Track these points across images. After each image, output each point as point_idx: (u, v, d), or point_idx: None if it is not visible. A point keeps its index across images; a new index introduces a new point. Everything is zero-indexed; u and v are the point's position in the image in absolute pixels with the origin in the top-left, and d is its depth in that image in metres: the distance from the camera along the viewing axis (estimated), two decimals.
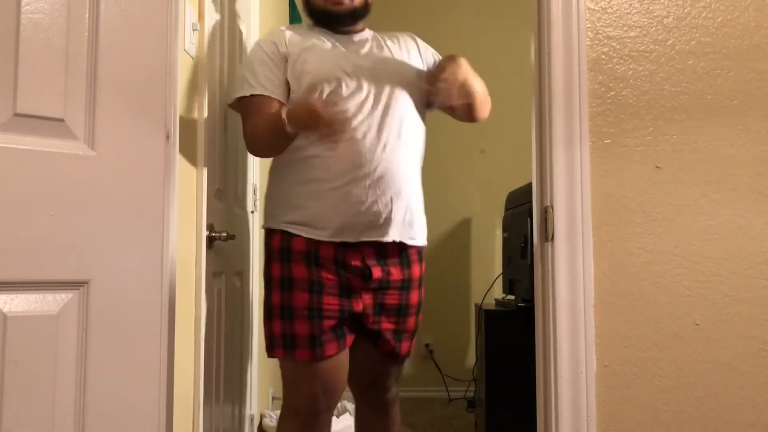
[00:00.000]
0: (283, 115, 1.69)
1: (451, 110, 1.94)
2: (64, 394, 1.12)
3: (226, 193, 2.14)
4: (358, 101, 1.77)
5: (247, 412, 2.47)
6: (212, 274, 1.94)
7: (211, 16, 1.94)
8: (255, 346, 2.52)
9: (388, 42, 1.95)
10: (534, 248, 1.66)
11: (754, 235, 1.54)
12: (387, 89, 1.82)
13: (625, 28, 1.59)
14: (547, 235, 1.57)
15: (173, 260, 1.28)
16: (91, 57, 1.17)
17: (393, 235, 1.77)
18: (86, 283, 1.15)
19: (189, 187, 1.77)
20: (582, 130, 1.55)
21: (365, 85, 1.80)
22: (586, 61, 1.57)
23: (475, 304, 3.55)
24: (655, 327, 1.53)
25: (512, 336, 2.65)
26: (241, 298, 2.36)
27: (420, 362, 4.31)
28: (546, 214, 1.57)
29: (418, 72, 1.92)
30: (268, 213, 1.86)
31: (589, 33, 1.59)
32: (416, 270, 1.87)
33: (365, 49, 1.90)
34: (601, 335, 1.53)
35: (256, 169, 2.57)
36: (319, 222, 1.74)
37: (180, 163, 1.35)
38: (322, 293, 1.73)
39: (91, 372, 1.15)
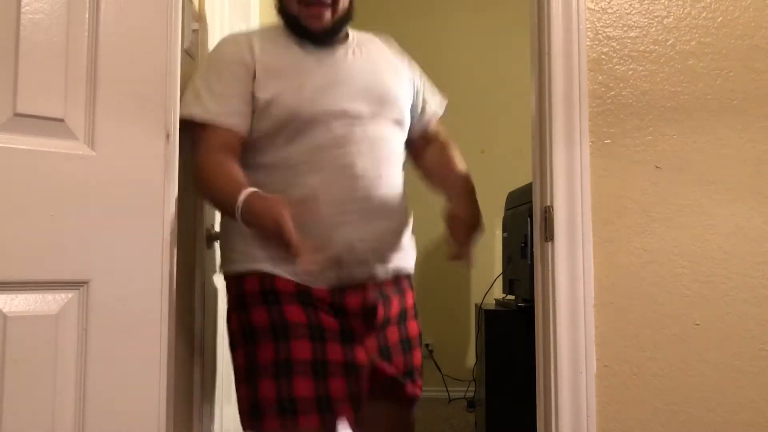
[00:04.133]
0: (239, 202, 1.34)
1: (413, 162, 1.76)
2: (64, 394, 1.12)
3: None
4: (341, 131, 1.51)
5: None
6: (212, 274, 1.94)
7: (211, 16, 1.94)
8: None
9: (370, 50, 1.68)
10: (534, 248, 1.66)
11: (754, 235, 1.54)
12: (371, 112, 1.57)
13: (625, 28, 1.59)
14: (547, 235, 1.57)
15: (173, 260, 1.28)
16: (91, 57, 1.17)
17: (390, 270, 1.59)
18: (86, 283, 1.15)
19: (189, 187, 1.77)
20: (582, 130, 1.55)
21: (348, 111, 1.53)
22: (586, 61, 1.57)
23: (475, 304, 3.55)
24: (655, 327, 1.53)
25: (512, 336, 2.65)
26: None
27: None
28: (546, 214, 1.57)
29: (402, 88, 1.69)
30: (233, 251, 1.53)
31: (589, 33, 1.58)
32: (410, 298, 1.67)
33: (346, 66, 1.60)
34: (601, 335, 1.53)
35: None
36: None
37: (180, 163, 1.35)
38: (326, 340, 1.42)
39: (91, 372, 1.15)
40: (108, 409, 1.16)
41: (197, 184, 1.53)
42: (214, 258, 1.94)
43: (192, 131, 1.49)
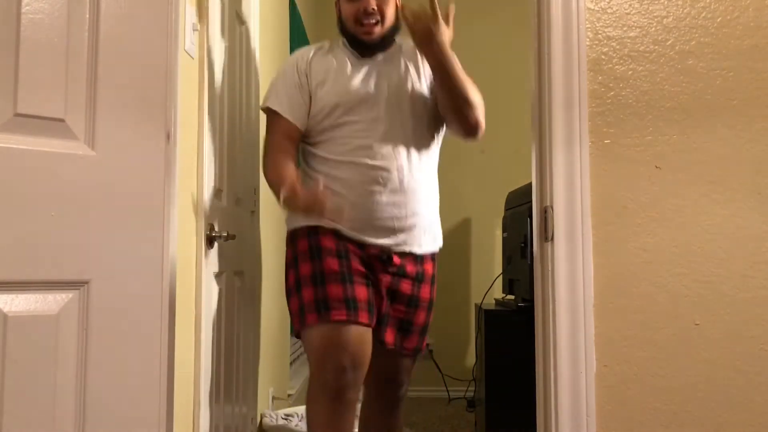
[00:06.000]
0: (282, 195, 1.75)
1: (452, 124, 2.02)
2: (64, 394, 1.12)
3: (226, 193, 2.14)
4: (373, 125, 1.88)
5: (248, 412, 2.47)
6: (212, 274, 1.94)
7: (211, 16, 1.94)
8: (255, 345, 2.52)
9: (407, 60, 2.02)
10: (534, 248, 1.66)
11: (754, 235, 1.54)
12: (402, 112, 1.92)
13: (625, 29, 1.59)
14: (547, 235, 1.57)
15: (173, 260, 1.28)
16: (92, 57, 1.17)
17: (411, 247, 1.92)
18: (86, 283, 1.15)
19: (189, 187, 1.77)
20: (582, 130, 1.55)
21: (381, 110, 1.90)
22: (586, 61, 1.57)
23: (475, 304, 3.55)
24: (655, 327, 1.53)
25: (512, 336, 2.65)
26: (241, 298, 2.36)
27: (420, 362, 4.30)
28: (546, 214, 1.57)
29: (423, 95, 2.00)
30: (292, 214, 1.94)
31: (589, 33, 1.59)
32: (429, 267, 2.00)
33: (386, 71, 1.96)
34: (601, 335, 1.53)
35: (257, 170, 2.57)
36: (344, 224, 1.85)
37: (180, 163, 1.35)
38: (350, 259, 1.83)
39: (91, 372, 1.15)
40: (108, 408, 1.16)
41: (263, 164, 2.01)
42: (214, 258, 1.94)
43: (268, 118, 2.00)
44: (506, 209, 3.14)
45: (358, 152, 1.87)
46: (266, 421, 2.70)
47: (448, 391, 4.20)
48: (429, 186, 2.00)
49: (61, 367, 1.12)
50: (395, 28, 2.01)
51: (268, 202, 2.76)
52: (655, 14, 1.60)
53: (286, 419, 2.74)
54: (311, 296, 1.80)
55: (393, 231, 1.89)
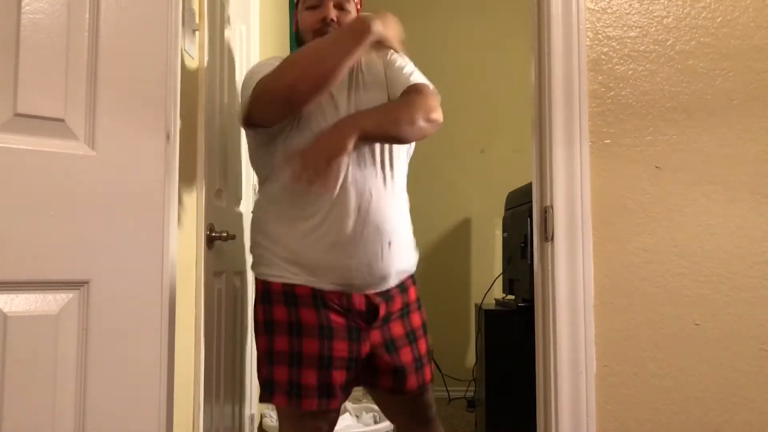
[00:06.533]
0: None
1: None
2: (64, 394, 1.12)
3: (226, 193, 2.14)
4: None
5: (247, 412, 2.47)
6: (212, 274, 1.94)
7: (211, 17, 1.94)
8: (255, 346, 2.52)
9: (368, 65, 1.82)
10: (534, 248, 1.66)
11: (754, 235, 1.54)
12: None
13: (625, 28, 1.59)
14: (547, 235, 1.57)
15: (173, 260, 1.28)
16: (92, 57, 1.17)
17: (393, 281, 1.73)
18: (86, 283, 1.15)
19: (189, 187, 1.77)
20: (582, 130, 1.55)
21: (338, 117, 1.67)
22: (586, 61, 1.57)
23: (475, 304, 3.55)
24: (655, 327, 1.53)
25: (512, 336, 2.65)
26: (242, 298, 2.36)
27: None
28: (546, 214, 1.57)
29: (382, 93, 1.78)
30: (261, 253, 1.74)
31: (589, 33, 1.59)
32: (412, 293, 1.81)
33: (353, 81, 1.76)
34: (601, 335, 1.53)
35: None
36: (321, 272, 1.66)
37: (180, 163, 1.35)
38: (333, 338, 1.65)
39: (91, 372, 1.15)
40: (108, 409, 1.16)
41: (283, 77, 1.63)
42: (214, 258, 1.94)
43: (249, 104, 1.66)
44: (506, 209, 3.14)
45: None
46: (266, 421, 2.70)
47: (448, 391, 4.20)
48: (402, 207, 1.77)
49: (61, 367, 1.12)
50: None
51: None
52: (655, 14, 1.60)
53: None
54: (284, 377, 1.64)
55: (377, 270, 1.68)
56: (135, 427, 1.20)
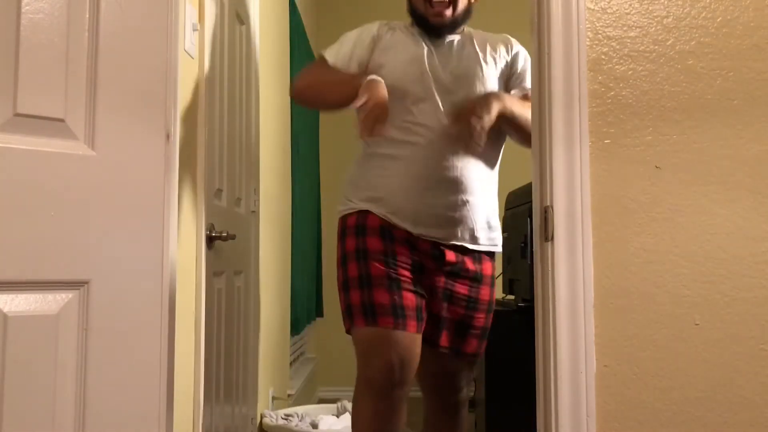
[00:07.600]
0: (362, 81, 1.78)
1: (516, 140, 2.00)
2: (64, 394, 1.12)
3: (226, 193, 2.14)
4: (428, 109, 1.86)
5: (248, 412, 2.47)
6: (212, 274, 1.94)
7: (211, 16, 1.94)
8: (255, 345, 2.52)
9: (477, 48, 2.02)
10: (534, 248, 1.66)
11: (754, 235, 1.54)
12: (459, 100, 1.87)
13: (625, 28, 1.59)
14: (547, 235, 1.57)
15: (173, 260, 1.28)
16: (92, 57, 1.17)
17: (462, 239, 1.87)
18: (86, 283, 1.15)
19: (189, 187, 1.78)
20: (582, 130, 1.55)
21: (437, 94, 1.87)
22: (586, 61, 1.57)
23: None
24: (655, 327, 1.53)
25: (512, 336, 2.65)
26: (242, 298, 2.36)
27: None
28: (546, 214, 1.57)
29: (491, 86, 1.97)
30: (346, 197, 1.94)
31: (589, 33, 1.58)
32: (488, 267, 1.95)
33: (449, 56, 1.95)
34: (601, 335, 1.53)
35: (257, 170, 2.57)
36: (394, 208, 1.83)
37: (180, 163, 1.35)
38: (398, 265, 1.81)
39: (91, 372, 1.15)
40: (108, 409, 1.16)
41: (301, 86, 2.03)
42: (214, 258, 1.94)
43: (315, 62, 2.07)
44: (506, 209, 3.14)
45: (414, 135, 1.85)
46: (266, 421, 2.70)
47: None
48: (485, 180, 1.94)
49: (61, 367, 1.12)
50: (467, 14, 2.03)
51: (268, 202, 2.76)
52: (655, 14, 1.60)
53: (286, 419, 2.74)
54: (358, 300, 1.79)
55: (445, 221, 1.85)
56: (135, 427, 1.20)
